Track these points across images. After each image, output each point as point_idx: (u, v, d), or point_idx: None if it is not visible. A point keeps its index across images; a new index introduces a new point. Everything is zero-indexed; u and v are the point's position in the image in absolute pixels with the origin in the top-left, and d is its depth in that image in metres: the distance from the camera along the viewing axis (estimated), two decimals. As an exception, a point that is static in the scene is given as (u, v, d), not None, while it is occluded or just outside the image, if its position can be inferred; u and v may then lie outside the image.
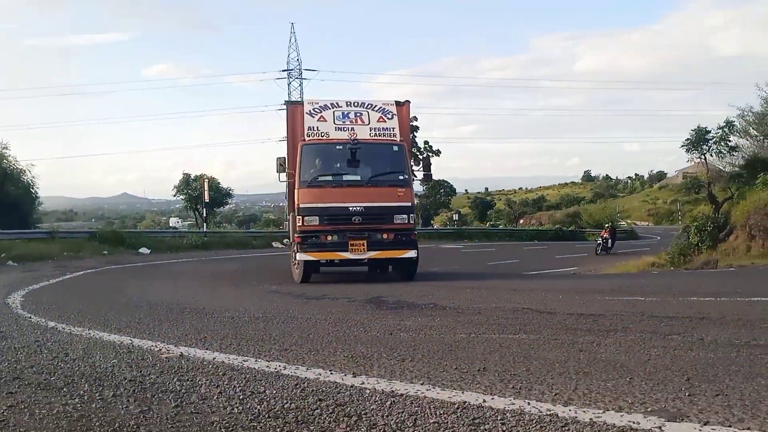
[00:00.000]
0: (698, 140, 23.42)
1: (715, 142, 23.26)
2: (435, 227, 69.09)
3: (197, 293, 10.76)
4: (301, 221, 11.73)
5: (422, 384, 3.17)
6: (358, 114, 12.62)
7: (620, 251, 35.11)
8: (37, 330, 5.58)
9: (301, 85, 62.37)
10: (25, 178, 28.21)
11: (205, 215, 34.82)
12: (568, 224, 55.22)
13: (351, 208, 11.66)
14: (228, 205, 54.56)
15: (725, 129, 23.16)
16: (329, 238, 11.77)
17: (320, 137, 12.19)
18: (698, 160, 24.87)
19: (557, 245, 42.21)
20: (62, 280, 13.76)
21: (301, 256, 11.83)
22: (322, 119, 12.38)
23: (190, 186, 39.47)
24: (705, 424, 2.39)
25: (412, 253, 12.01)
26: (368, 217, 11.71)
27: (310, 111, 12.51)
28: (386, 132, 12.45)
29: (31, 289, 11.15)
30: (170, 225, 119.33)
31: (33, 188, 28.74)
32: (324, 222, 11.75)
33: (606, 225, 34.54)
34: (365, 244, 11.67)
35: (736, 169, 23.85)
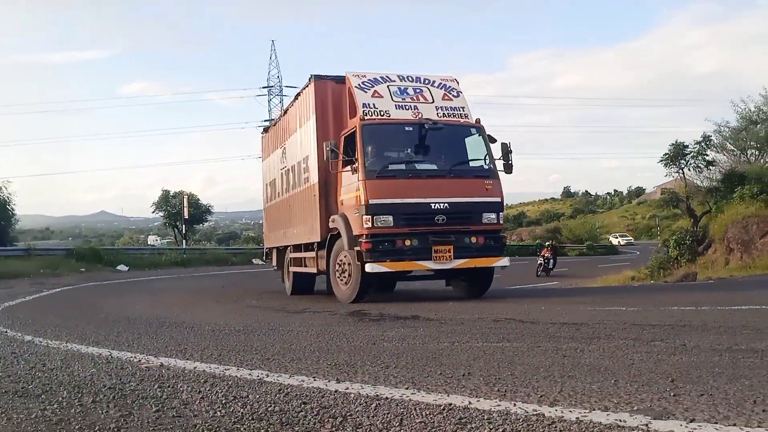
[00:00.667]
0: (676, 155, 23.73)
1: (692, 157, 23.59)
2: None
3: (176, 309, 10.63)
4: (370, 222, 9.32)
5: (407, 388, 3.13)
6: (418, 90, 10.52)
7: (601, 265, 35.42)
8: (13, 343, 5.47)
9: (281, 101, 62.37)
10: (1, 195, 27.88)
11: (184, 232, 34.56)
12: (548, 240, 55.39)
13: (434, 206, 9.54)
14: (207, 222, 54.20)
15: (702, 144, 23.51)
16: (408, 243, 9.54)
17: (381, 116, 9.97)
18: (676, 174, 25.18)
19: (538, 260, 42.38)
20: (39, 296, 13.58)
21: (371, 267, 9.35)
22: (377, 95, 10.19)
23: (169, 203, 39.16)
24: (691, 422, 2.38)
25: (504, 261, 10.23)
26: (454, 216, 9.66)
27: (359, 85, 10.26)
28: (456, 112, 10.40)
29: (6, 305, 10.96)
30: (149, 243, 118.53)
31: (9, 205, 28.39)
32: (400, 223, 9.49)
33: (547, 243, 33.97)
34: (451, 250, 9.57)
35: (714, 183, 24.18)
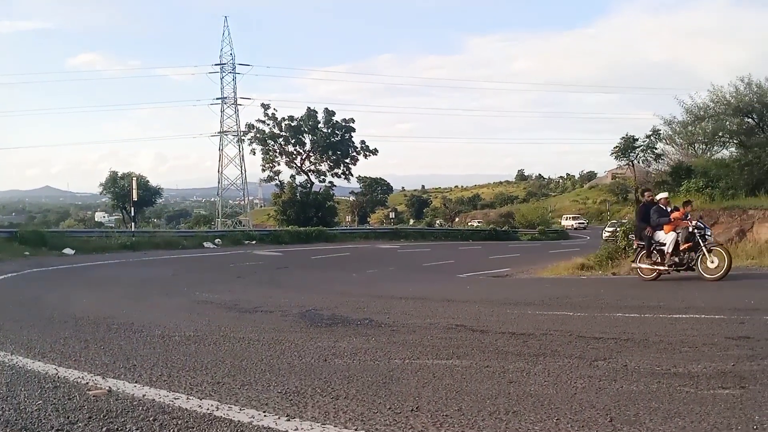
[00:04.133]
0: (626, 148, 24.34)
1: (642, 150, 24.15)
2: (372, 226, 69.27)
3: (125, 304, 10.46)
4: None
5: (356, 429, 3.17)
6: None
7: (552, 251, 36.12)
8: (-48, 358, 5.31)
9: (234, 79, 61.64)
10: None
11: (133, 214, 33.89)
12: (502, 224, 56.21)
13: None
14: (156, 204, 53.27)
15: (652, 138, 24.09)
16: None
17: None
18: (626, 166, 25.79)
19: (491, 245, 43.01)
20: (-19, 287, 13.19)
21: None
22: None
23: (117, 184, 38.32)
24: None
25: None
26: None
27: None
28: None
29: (-55, 299, 10.65)
30: (96, 220, 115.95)
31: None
32: None
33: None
34: None
35: (662, 177, 24.81)
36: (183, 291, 13.23)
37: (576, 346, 5.52)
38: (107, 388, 4.16)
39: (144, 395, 3.96)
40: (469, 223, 77.86)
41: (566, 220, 70.58)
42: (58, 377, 4.52)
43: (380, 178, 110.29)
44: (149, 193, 39.50)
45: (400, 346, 5.77)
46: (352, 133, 52.83)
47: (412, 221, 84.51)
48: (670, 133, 26.18)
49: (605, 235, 63.26)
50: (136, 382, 4.35)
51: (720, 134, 24.84)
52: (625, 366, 4.66)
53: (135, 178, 33.54)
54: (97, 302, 10.61)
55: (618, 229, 36.49)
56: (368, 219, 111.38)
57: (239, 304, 10.13)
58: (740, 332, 6.05)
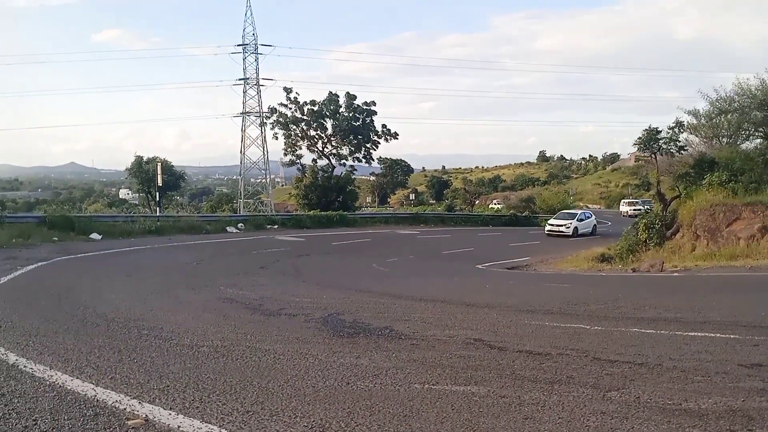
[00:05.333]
0: (649, 140, 24.15)
1: (665, 143, 24.01)
2: (392, 210, 69.47)
3: (153, 300, 10.82)
4: None
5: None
6: None
7: (572, 238, 36.15)
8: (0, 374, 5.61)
9: (256, 60, 61.71)
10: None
11: (158, 199, 34.39)
12: (522, 209, 56.11)
13: None
14: (181, 188, 53.88)
15: (675, 129, 23.93)
16: None
17: None
18: (649, 157, 25.66)
19: (511, 231, 43.10)
20: (14, 277, 13.64)
21: None
22: None
23: (142, 168, 38.93)
24: None
25: None
26: None
27: None
28: None
29: (-18, 292, 11.04)
30: (120, 197, 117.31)
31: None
32: None
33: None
34: None
35: (685, 168, 24.65)
36: (208, 283, 13.57)
37: (591, 372, 5.68)
38: (144, 416, 4.41)
39: (179, 426, 4.21)
40: (490, 206, 77.69)
41: (623, 206, 63.38)
42: (97, 401, 4.78)
43: (401, 159, 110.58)
44: (173, 178, 40.07)
45: (419, 366, 5.97)
46: (374, 117, 52.91)
47: (431, 206, 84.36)
48: (694, 122, 25.96)
49: (623, 209, 59.84)
50: (170, 408, 4.60)
51: (745, 125, 24.62)
52: (637, 398, 4.82)
53: (160, 163, 34.01)
54: (126, 298, 10.95)
55: (642, 210, 36.05)
56: (388, 200, 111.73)
57: (263, 305, 10.41)
58: (753, 358, 6.17)
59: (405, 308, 10.04)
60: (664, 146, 24.06)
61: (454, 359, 6.26)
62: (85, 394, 4.97)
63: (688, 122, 25.56)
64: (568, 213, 41.44)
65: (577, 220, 38.26)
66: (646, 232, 23.28)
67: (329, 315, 9.15)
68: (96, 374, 5.61)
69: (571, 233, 36.45)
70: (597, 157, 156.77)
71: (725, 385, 5.26)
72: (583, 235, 37.16)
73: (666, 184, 26.40)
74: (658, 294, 12.26)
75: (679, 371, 5.69)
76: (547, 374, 5.63)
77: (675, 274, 16.55)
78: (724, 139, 25.72)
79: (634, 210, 54.60)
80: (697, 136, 26.75)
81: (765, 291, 12.60)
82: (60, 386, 5.22)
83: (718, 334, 7.43)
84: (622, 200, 69.25)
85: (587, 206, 74.78)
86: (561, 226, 37.36)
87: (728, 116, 24.17)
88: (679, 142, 24.23)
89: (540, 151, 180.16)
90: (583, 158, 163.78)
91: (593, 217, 41.18)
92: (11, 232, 23.04)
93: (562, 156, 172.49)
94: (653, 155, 24.85)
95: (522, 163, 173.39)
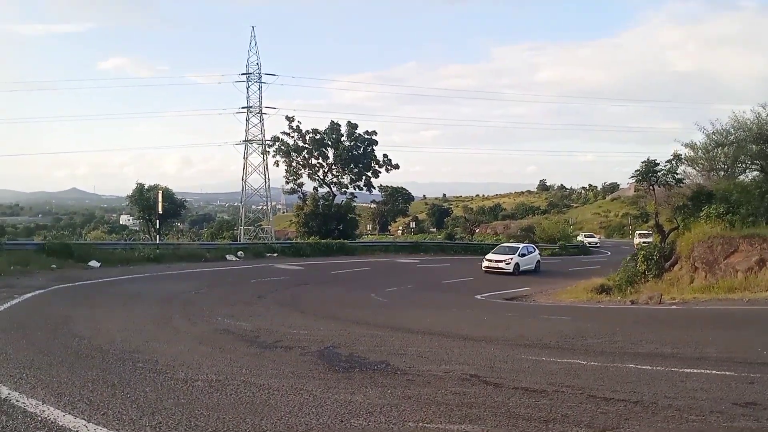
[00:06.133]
0: (647, 172, 24.26)
1: (663, 175, 24.13)
2: (392, 238, 69.50)
3: (149, 332, 10.77)
4: None
5: None
6: None
7: (571, 268, 36.10)
8: (-10, 409, 5.59)
9: (260, 89, 62.24)
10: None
11: (158, 227, 34.47)
12: (522, 239, 56.06)
13: None
14: (181, 216, 54.02)
15: (673, 162, 24.08)
16: None
17: None
18: (648, 190, 25.77)
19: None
20: (10, 306, 13.66)
21: None
22: None
23: (143, 196, 39.13)
24: None
25: None
26: None
27: None
28: None
29: (-22, 322, 11.02)
30: (121, 223, 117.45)
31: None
32: None
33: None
34: None
35: (682, 201, 24.73)
36: (205, 314, 13.54)
37: (586, 410, 5.66)
38: (135, 454, 4.40)
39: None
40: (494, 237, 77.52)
41: (637, 238, 59.73)
42: (88, 438, 4.76)
43: (401, 187, 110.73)
44: (174, 206, 40.25)
45: (414, 403, 5.94)
46: (375, 146, 53.23)
47: (431, 234, 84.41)
48: (691, 154, 26.13)
49: (636, 240, 56.61)
50: (161, 448, 4.58)
51: (741, 158, 24.77)
52: (631, 439, 4.81)
53: (161, 191, 34.06)
54: (122, 329, 10.91)
55: (645, 242, 35.37)
56: (389, 228, 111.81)
57: (260, 337, 10.37)
58: (748, 396, 6.16)
59: (402, 341, 10.01)
60: (663, 178, 24.18)
61: (449, 396, 6.23)
62: (77, 431, 4.95)
63: (685, 155, 25.73)
64: (508, 247, 36.14)
65: (519, 255, 33.29)
66: (645, 263, 23.28)
67: (325, 348, 9.12)
68: (89, 410, 5.59)
69: (511, 270, 31.69)
70: (597, 187, 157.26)
71: (719, 424, 5.25)
72: (525, 272, 32.62)
73: (664, 215, 26.45)
74: (655, 328, 12.22)
75: (674, 410, 5.67)
76: (542, 412, 5.61)
77: (673, 306, 16.52)
78: (721, 172, 25.85)
79: (644, 242, 48.41)
80: (694, 168, 26.91)
81: (761, 325, 12.57)
82: (52, 422, 5.20)
83: (714, 371, 7.41)
84: (637, 231, 62.67)
85: (592, 234, 74.53)
86: (500, 262, 32.31)
87: (725, 149, 24.34)
88: (677, 174, 24.36)
89: (540, 180, 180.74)
90: (583, 187, 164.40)
91: (536, 251, 36.30)
92: (10, 259, 23.04)
93: (562, 185, 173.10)
94: (651, 187, 24.95)
95: (522, 192, 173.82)
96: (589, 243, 63.63)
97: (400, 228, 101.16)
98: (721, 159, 24.95)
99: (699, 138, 25.78)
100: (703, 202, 23.32)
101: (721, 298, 17.34)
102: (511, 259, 32.39)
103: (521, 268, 32.55)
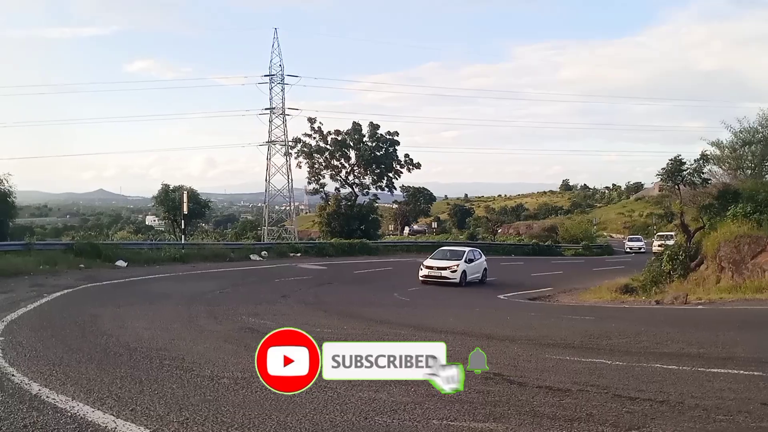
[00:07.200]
0: (673, 171, 24.02)
1: (689, 174, 23.87)
2: (414, 238, 69.50)
3: (175, 331, 10.87)
4: None
5: None
6: None
7: (595, 269, 35.81)
8: (22, 404, 5.69)
9: (282, 90, 62.46)
10: (2, 187, 28.00)
11: (183, 227, 34.87)
12: (545, 239, 55.81)
13: None
14: (206, 216, 54.55)
15: (700, 162, 23.81)
16: None
17: None
18: (673, 189, 25.53)
19: (534, 261, 42.82)
20: (39, 305, 13.85)
21: None
22: None
23: (168, 197, 39.60)
24: None
25: None
26: None
27: None
28: None
29: (9, 320, 11.24)
30: (146, 223, 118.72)
31: (10, 198, 28.51)
32: None
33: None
34: None
35: (709, 200, 24.43)
36: (230, 313, 13.66)
37: (611, 409, 5.63)
38: (163, 449, 4.47)
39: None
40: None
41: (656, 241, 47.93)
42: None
43: (423, 187, 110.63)
44: (199, 206, 40.71)
45: (438, 401, 5.95)
46: (396, 147, 53.31)
47: (453, 233, 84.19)
48: (717, 153, 25.81)
49: (655, 248, 45.41)
50: (189, 442, 4.66)
51: (768, 157, 24.45)
52: (657, 438, 4.78)
53: (186, 192, 34.50)
54: (149, 327, 11.04)
55: (666, 244, 34.54)
56: (414, 226, 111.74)
57: (283, 335, 10.43)
58: (777, 397, 6.10)
59: (427, 339, 10.01)
60: (688, 177, 23.91)
61: (472, 394, 6.23)
62: (106, 426, 5.05)
63: (711, 153, 25.42)
64: (450, 250, 28.51)
65: (466, 262, 25.88)
66: (670, 263, 23.03)
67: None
68: (117, 405, 5.68)
69: (458, 280, 24.75)
70: (620, 186, 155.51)
71: (747, 425, 5.20)
72: (471, 282, 25.83)
73: (689, 215, 26.13)
74: (681, 328, 12.10)
75: (701, 410, 5.62)
76: (566, 411, 5.60)
77: (699, 306, 16.34)
78: (748, 170, 25.50)
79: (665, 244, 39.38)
80: (720, 167, 26.59)
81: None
82: (81, 418, 5.30)
83: (742, 371, 7.33)
84: (657, 233, 52.63)
85: (611, 236, 73.52)
86: (444, 269, 25.25)
87: (752, 147, 24.01)
88: (704, 173, 24.07)
89: (563, 180, 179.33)
90: (607, 187, 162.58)
91: (483, 257, 28.63)
92: (39, 258, 23.39)
93: (585, 185, 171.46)
94: (677, 186, 24.68)
95: (545, 192, 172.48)
96: (630, 248, 53.36)
97: (424, 229, 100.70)
98: (749, 157, 24.62)
99: (725, 136, 25.48)
100: (730, 201, 23.00)
101: (749, 298, 17.11)
102: (457, 265, 25.27)
103: (468, 278, 25.58)
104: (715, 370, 7.42)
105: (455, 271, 25.05)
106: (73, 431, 4.91)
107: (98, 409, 5.55)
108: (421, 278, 25.29)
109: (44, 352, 8.34)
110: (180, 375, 7.07)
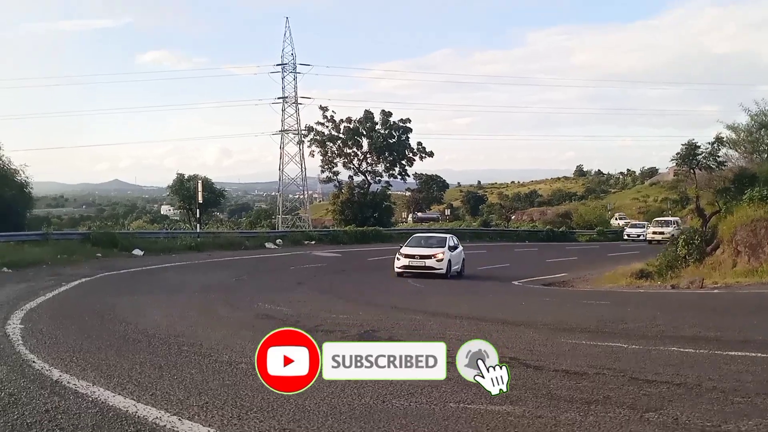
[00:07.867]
0: (688, 155, 23.84)
1: (704, 158, 23.68)
2: (426, 225, 69.49)
3: (192, 318, 10.99)
4: None
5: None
6: None
7: (610, 254, 35.64)
8: (43, 390, 5.77)
9: (295, 79, 62.46)
10: (19, 178, 28.26)
11: (198, 215, 35.13)
12: (559, 224, 55.62)
13: None
14: (221, 205, 54.86)
15: (715, 145, 23.60)
16: None
17: None
18: (688, 172, 25.35)
19: (548, 247, 42.73)
20: (58, 293, 14.01)
21: None
22: None
23: (183, 186, 39.90)
24: None
25: None
26: None
27: None
28: None
29: (28, 308, 11.38)
30: (162, 213, 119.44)
31: (27, 188, 28.78)
32: None
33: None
34: None
35: (724, 183, 24.24)
36: (246, 300, 13.77)
37: (628, 392, 5.63)
38: (184, 432, 4.53)
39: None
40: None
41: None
42: (138, 417, 4.91)
43: (436, 175, 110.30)
44: (213, 195, 40.97)
45: (455, 384, 5.93)
46: (409, 134, 53.24)
47: (467, 220, 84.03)
48: (733, 136, 25.53)
49: (650, 235, 41.39)
50: (209, 425, 4.71)
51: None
52: (675, 420, 4.77)
53: (201, 181, 34.75)
54: (167, 315, 11.17)
55: (673, 231, 34.26)
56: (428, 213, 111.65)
57: (300, 321, 10.51)
58: (796, 379, 6.07)
59: (440, 326, 10.07)
60: (704, 161, 23.71)
61: (489, 378, 6.25)
62: (127, 411, 5.11)
63: (727, 137, 25.16)
64: (427, 237, 24.59)
65: (450, 249, 22.23)
66: (686, 247, 22.87)
67: (365, 332, 9.21)
68: (137, 390, 5.75)
69: (444, 270, 21.20)
70: (635, 172, 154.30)
71: (766, 406, 5.18)
72: (455, 275, 22.34)
73: (705, 199, 25.93)
74: (697, 312, 12.06)
75: (718, 392, 5.61)
76: (583, 394, 5.60)
77: (715, 291, 16.26)
78: (765, 154, 25.21)
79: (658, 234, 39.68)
80: (736, 151, 26.31)
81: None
82: (102, 402, 5.37)
83: (760, 354, 7.30)
84: (654, 220, 48.08)
85: (628, 221, 72.46)
86: (427, 258, 21.31)
87: (769, 129, 23.74)
88: (719, 157, 23.85)
89: (577, 166, 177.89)
90: (621, 173, 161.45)
91: (461, 247, 24.36)
92: (56, 248, 23.66)
93: (599, 170, 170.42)
94: (692, 170, 24.49)
95: (559, 178, 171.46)
96: (628, 235, 48.91)
97: (410, 216, 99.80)
98: (765, 141, 24.33)
99: (741, 120, 25.17)
100: (746, 184, 22.80)
101: (765, 282, 16.98)
102: (443, 253, 21.58)
103: (452, 268, 22.07)
104: (733, 353, 7.39)
105: (441, 260, 21.34)
106: (94, 415, 4.97)
107: (119, 394, 5.61)
108: (397, 269, 21.42)
109: (64, 339, 8.44)
110: (198, 360, 7.14)
